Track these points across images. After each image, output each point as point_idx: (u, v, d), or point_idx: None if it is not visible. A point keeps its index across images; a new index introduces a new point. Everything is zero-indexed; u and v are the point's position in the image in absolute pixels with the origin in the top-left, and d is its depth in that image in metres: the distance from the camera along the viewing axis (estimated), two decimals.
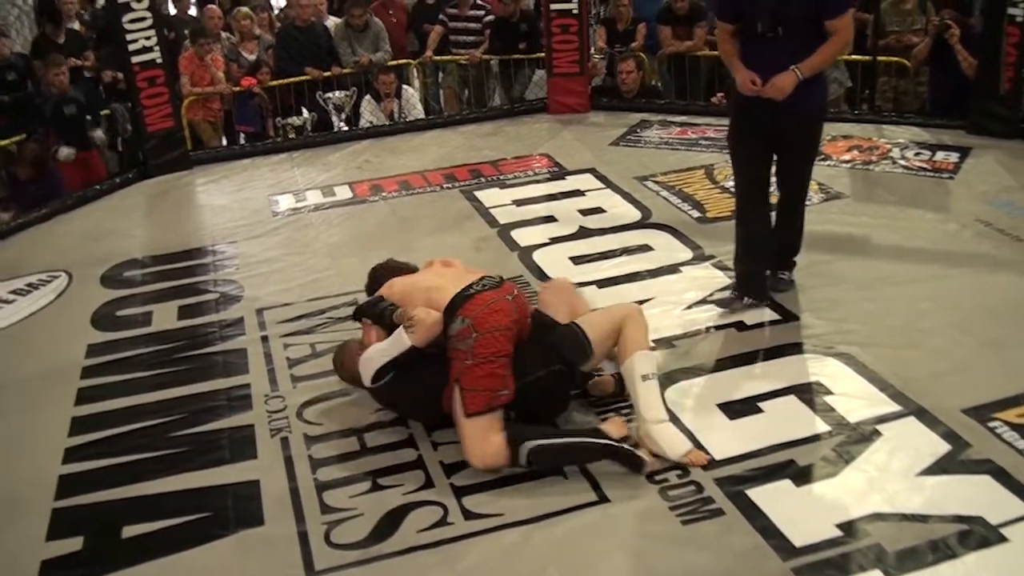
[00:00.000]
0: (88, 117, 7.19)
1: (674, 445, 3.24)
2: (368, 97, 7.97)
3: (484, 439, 3.19)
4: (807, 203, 5.27)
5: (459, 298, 3.31)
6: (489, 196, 6.06)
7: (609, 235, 5.27)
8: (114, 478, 3.43)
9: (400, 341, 3.34)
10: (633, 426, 3.36)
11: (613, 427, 3.32)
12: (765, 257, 4.39)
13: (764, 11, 3.96)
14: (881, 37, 7.25)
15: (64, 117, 7.03)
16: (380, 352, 3.40)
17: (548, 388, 3.36)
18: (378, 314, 3.49)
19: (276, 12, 9.54)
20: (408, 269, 3.88)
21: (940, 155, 6.16)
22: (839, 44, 4.04)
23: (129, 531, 3.15)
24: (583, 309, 3.74)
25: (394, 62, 8.19)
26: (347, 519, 3.11)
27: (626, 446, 3.20)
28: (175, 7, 9.22)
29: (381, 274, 3.83)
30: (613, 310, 3.51)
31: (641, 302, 4.39)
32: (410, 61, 8.49)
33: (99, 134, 7.29)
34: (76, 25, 8.92)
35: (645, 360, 3.31)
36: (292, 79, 7.94)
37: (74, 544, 3.11)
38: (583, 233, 5.34)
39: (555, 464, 3.22)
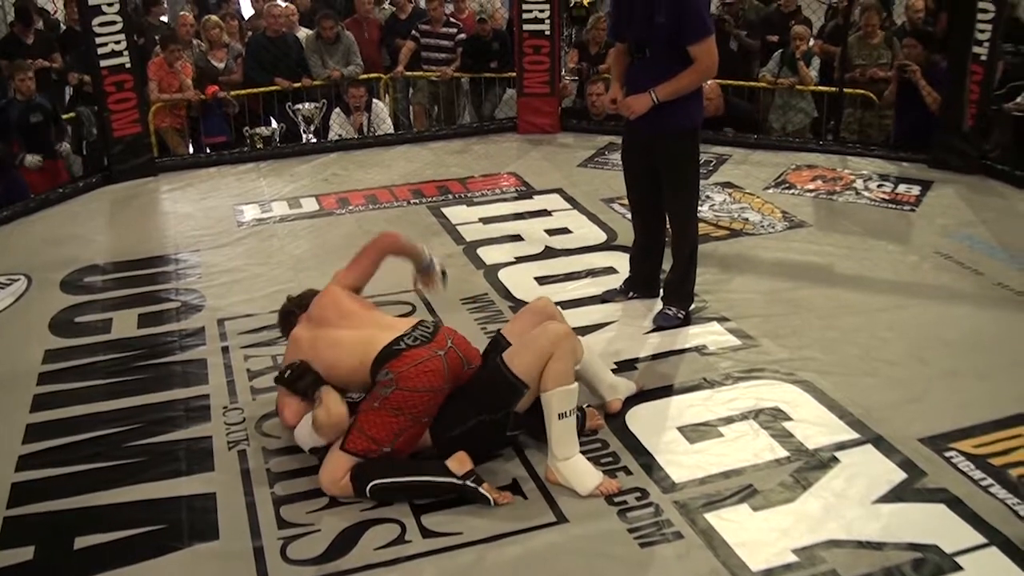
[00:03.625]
0: (54, 125, 7.10)
1: (582, 481, 3.21)
2: (337, 110, 7.97)
3: (341, 475, 3.19)
4: (770, 232, 5.33)
5: (387, 352, 3.24)
6: (456, 213, 6.06)
7: (575, 256, 5.28)
8: (68, 487, 3.37)
9: (313, 436, 3.30)
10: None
11: (457, 463, 3.18)
12: (647, 264, 4.66)
13: (631, 34, 4.20)
14: (847, 70, 7.36)
15: (30, 125, 6.94)
16: (307, 436, 3.34)
17: (478, 437, 3.27)
18: (303, 390, 3.36)
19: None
20: (301, 303, 3.74)
21: (902, 188, 6.25)
22: (697, 72, 4.11)
23: (81, 542, 3.09)
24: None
25: (365, 76, 8.19)
26: (304, 535, 3.08)
27: (469, 483, 3.13)
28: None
29: (291, 312, 3.74)
30: (540, 340, 3.25)
31: (604, 324, 4.44)
32: (381, 75, 8.49)
33: (65, 146, 7.21)
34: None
35: (563, 398, 3.19)
36: (261, 89, 7.93)
37: (25, 554, 3.04)
38: (549, 253, 5.36)
39: (397, 499, 3.18)
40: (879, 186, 6.30)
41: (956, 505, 3.10)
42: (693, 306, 4.53)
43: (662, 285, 4.60)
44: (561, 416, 3.20)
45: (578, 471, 3.23)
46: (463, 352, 3.34)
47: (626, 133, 4.51)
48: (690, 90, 4.15)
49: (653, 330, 4.38)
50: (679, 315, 4.44)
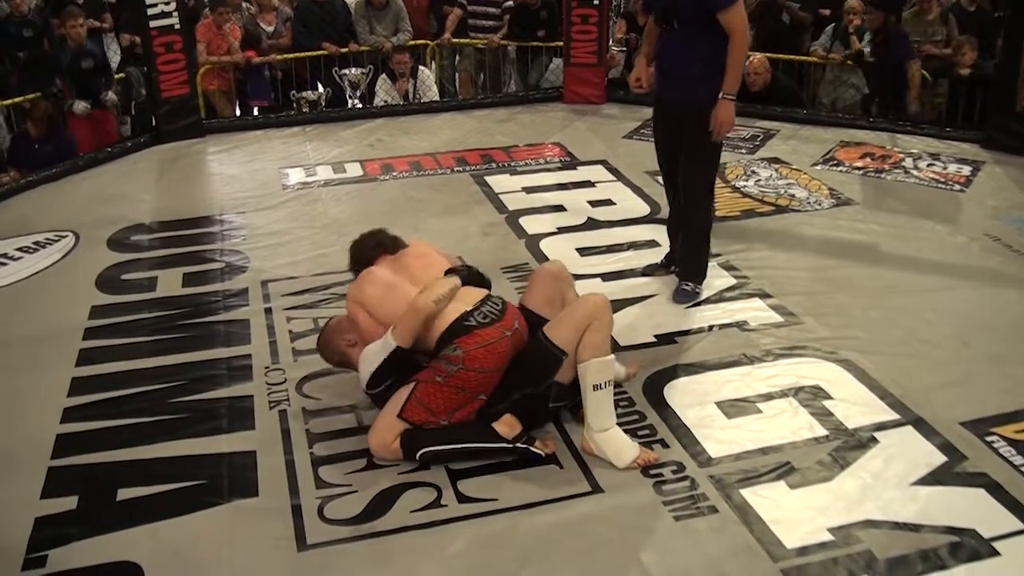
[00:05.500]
0: (104, 79, 7.19)
1: (619, 453, 3.21)
2: (383, 76, 7.97)
3: (392, 439, 3.21)
4: (816, 208, 5.28)
5: (459, 328, 3.25)
6: (499, 182, 6.06)
7: (617, 228, 5.26)
8: (111, 440, 3.44)
9: (387, 343, 3.28)
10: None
11: (506, 426, 3.22)
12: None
13: (659, 6, 4.15)
14: None
15: (80, 70, 7.03)
16: (373, 354, 3.33)
17: (522, 412, 3.27)
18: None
19: None
20: (393, 247, 3.70)
21: (952, 167, 6.15)
22: (738, 44, 4.01)
23: (124, 494, 3.16)
24: (572, 301, 3.59)
25: (412, 43, 8.18)
26: (341, 495, 3.11)
27: (520, 445, 3.18)
28: None
29: (364, 253, 3.70)
30: (577, 312, 3.28)
31: (645, 297, 4.43)
32: (428, 42, 8.48)
33: (111, 96, 7.28)
34: None
35: (600, 369, 3.20)
36: (308, 53, 7.95)
37: (68, 503, 3.12)
38: (591, 224, 5.34)
39: (449, 464, 3.21)
40: (929, 165, 6.20)
41: (996, 490, 3.07)
42: (734, 282, 4.52)
43: (680, 259, 4.54)
44: (596, 388, 3.20)
45: (615, 443, 3.23)
46: (524, 331, 3.35)
47: (656, 105, 4.43)
48: (742, 66, 4.09)
49: (694, 304, 4.36)
50: (696, 290, 4.41)
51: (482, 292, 3.42)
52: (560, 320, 3.32)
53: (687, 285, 4.42)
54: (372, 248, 3.70)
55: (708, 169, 4.31)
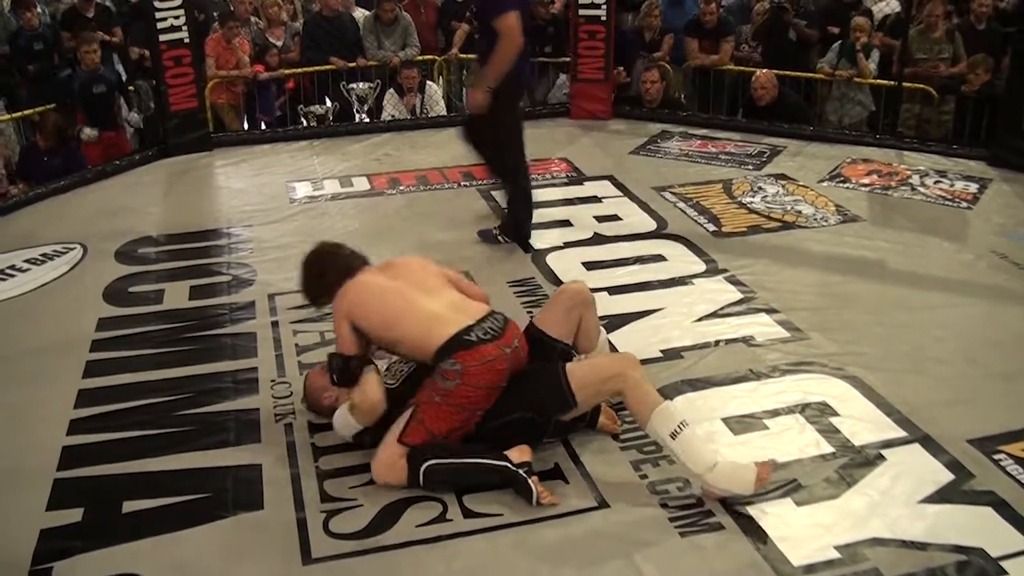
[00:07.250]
0: (121, 101, 7.23)
1: (741, 482, 3.06)
2: (391, 91, 7.99)
3: (396, 464, 3.17)
4: (823, 225, 5.27)
5: (458, 342, 3.15)
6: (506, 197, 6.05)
7: (623, 243, 5.26)
8: (117, 453, 3.44)
9: (350, 423, 3.29)
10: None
11: (517, 453, 3.15)
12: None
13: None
14: (907, 64, 7.24)
15: (92, 96, 7.05)
16: (344, 426, 3.33)
17: (516, 431, 3.22)
18: (350, 376, 3.31)
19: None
20: (355, 264, 3.47)
21: (959, 184, 6.14)
22: (502, 48, 4.63)
23: (129, 506, 3.16)
24: (590, 327, 3.59)
25: (420, 58, 8.21)
26: (346, 509, 3.11)
27: (522, 473, 3.10)
28: None
29: (329, 270, 3.48)
30: (603, 368, 3.25)
31: (651, 312, 4.42)
32: (435, 57, 8.51)
33: (134, 116, 7.31)
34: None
35: (663, 420, 3.06)
36: (316, 68, 7.99)
37: (74, 515, 3.12)
38: (598, 239, 5.34)
39: (450, 483, 3.15)
40: (936, 182, 6.19)
41: (1003, 508, 3.06)
42: (740, 296, 4.52)
43: None
44: (673, 435, 3.05)
45: (729, 475, 3.07)
46: (524, 351, 3.31)
47: None
48: (504, 66, 4.66)
49: (700, 319, 4.35)
50: (498, 236, 5.20)
51: (484, 307, 3.36)
52: (587, 371, 3.25)
53: (495, 228, 5.26)
54: (350, 259, 3.50)
55: (501, 145, 5.02)
